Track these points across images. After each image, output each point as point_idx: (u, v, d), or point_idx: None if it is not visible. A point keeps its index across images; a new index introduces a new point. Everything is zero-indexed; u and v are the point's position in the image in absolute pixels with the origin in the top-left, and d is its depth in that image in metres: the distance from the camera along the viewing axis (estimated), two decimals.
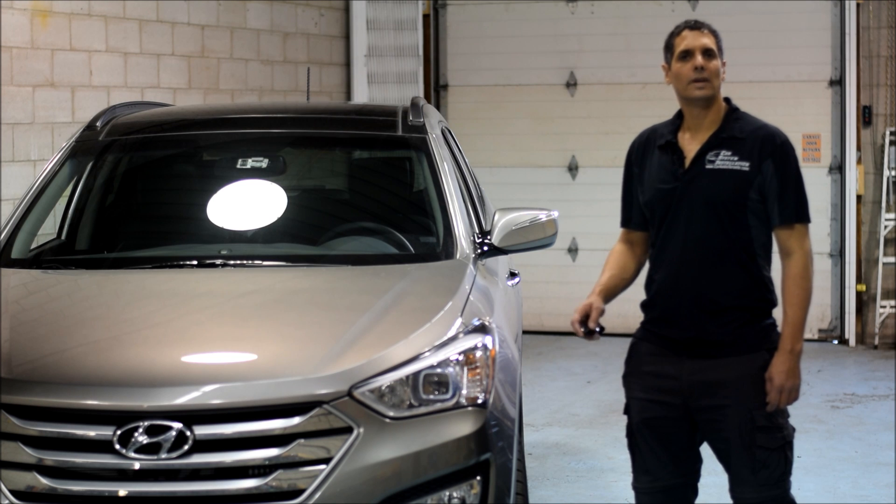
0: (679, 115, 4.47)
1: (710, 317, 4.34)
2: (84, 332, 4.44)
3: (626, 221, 4.60)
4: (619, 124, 11.02)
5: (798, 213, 4.35)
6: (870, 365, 10.06)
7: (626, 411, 4.55)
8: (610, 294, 4.53)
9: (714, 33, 4.42)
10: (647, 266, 4.56)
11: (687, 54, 4.37)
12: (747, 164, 4.33)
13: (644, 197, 4.47)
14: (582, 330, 4.42)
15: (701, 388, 4.35)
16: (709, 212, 4.33)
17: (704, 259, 4.35)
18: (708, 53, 4.35)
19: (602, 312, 4.43)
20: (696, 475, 4.55)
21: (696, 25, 4.42)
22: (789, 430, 4.40)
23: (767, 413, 4.33)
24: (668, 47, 4.44)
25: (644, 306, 4.52)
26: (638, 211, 4.54)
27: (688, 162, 4.38)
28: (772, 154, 4.33)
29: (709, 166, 4.35)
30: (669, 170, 4.40)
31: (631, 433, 4.53)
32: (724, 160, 4.34)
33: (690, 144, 4.40)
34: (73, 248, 5.62)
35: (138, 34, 8.63)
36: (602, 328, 4.43)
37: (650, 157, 4.47)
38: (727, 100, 4.46)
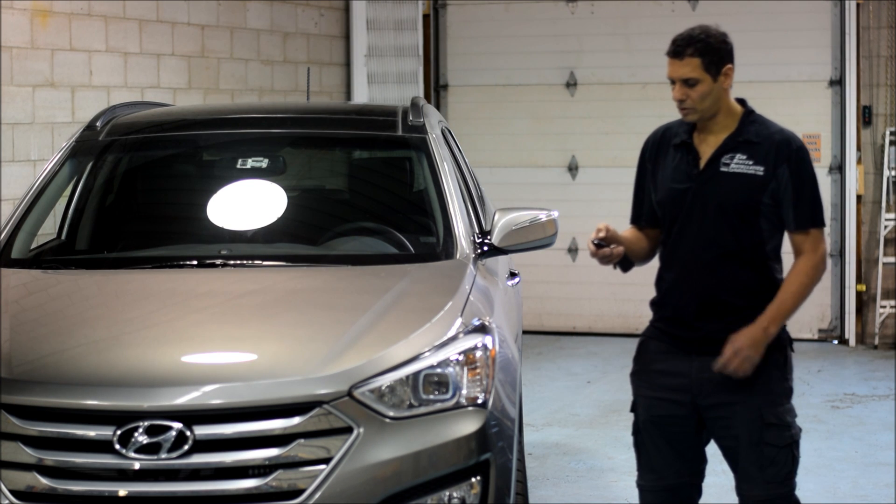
0: None
1: (720, 317, 4.34)
2: (84, 332, 4.44)
3: (637, 219, 4.58)
4: (619, 124, 11.02)
5: (813, 218, 4.34)
6: (870, 365, 10.06)
7: (633, 409, 4.55)
8: (625, 242, 4.43)
9: (700, 53, 4.29)
10: (657, 263, 4.54)
11: (671, 81, 4.35)
12: (762, 168, 4.32)
13: (657, 195, 4.46)
14: (595, 243, 4.33)
15: (711, 386, 4.35)
16: (721, 214, 4.33)
17: (715, 260, 4.34)
18: (688, 82, 4.30)
19: (615, 238, 4.36)
20: (700, 475, 4.55)
21: (676, 52, 4.31)
22: (796, 430, 4.40)
23: (777, 411, 4.33)
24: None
25: (654, 305, 4.52)
26: (649, 208, 4.52)
27: (703, 163, 4.37)
28: (787, 159, 4.32)
29: (723, 169, 4.34)
30: (684, 170, 4.39)
31: (637, 431, 4.53)
32: (739, 164, 4.33)
33: (705, 146, 4.39)
34: (73, 248, 5.62)
35: (138, 34, 8.63)
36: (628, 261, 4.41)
37: (665, 155, 4.46)
38: (742, 102, 4.45)
